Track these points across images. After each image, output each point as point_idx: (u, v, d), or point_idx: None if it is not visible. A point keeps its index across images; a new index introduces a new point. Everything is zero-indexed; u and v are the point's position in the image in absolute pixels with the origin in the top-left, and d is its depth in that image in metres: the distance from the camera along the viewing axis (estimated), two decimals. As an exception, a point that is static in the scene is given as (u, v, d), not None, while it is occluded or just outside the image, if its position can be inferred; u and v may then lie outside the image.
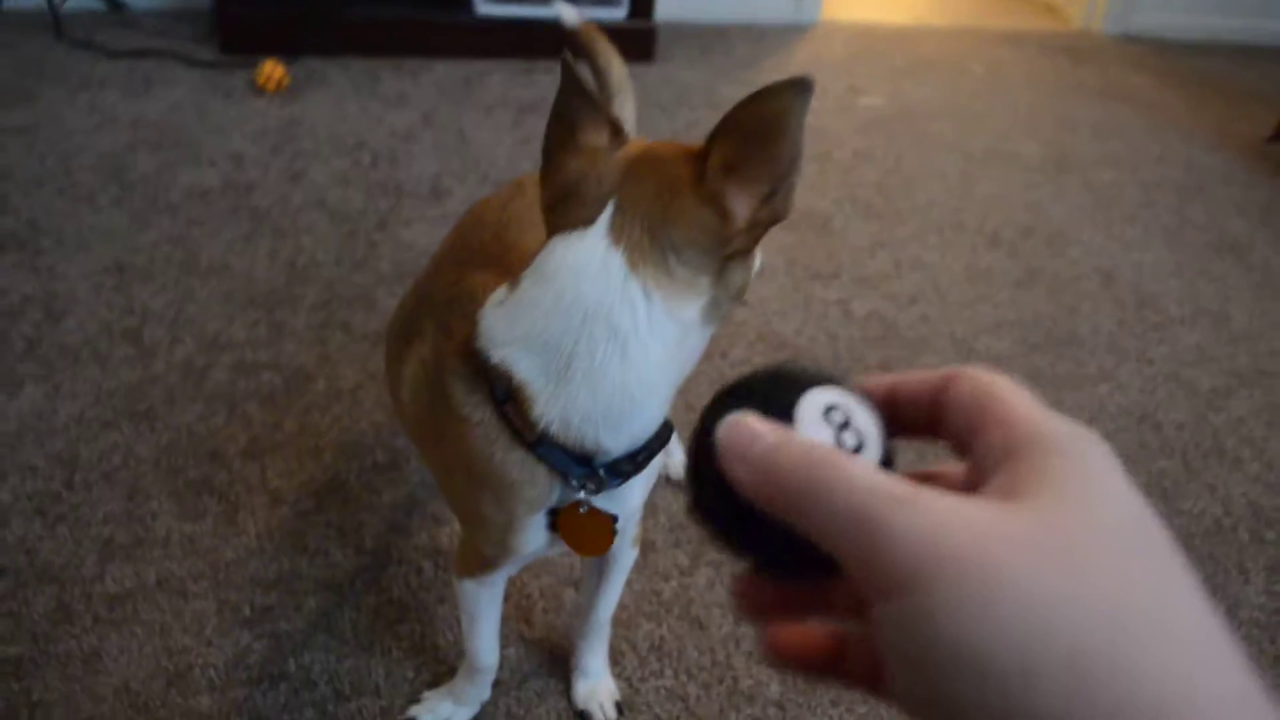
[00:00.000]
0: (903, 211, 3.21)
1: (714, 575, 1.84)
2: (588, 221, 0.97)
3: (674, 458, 2.01)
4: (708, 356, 2.40)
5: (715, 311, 1.00)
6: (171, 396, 2.14)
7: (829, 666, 0.41)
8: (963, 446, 0.39)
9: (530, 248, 1.24)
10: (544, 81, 3.84)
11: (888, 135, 3.74)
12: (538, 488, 1.09)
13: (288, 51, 3.72)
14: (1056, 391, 2.46)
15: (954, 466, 0.41)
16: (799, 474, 0.35)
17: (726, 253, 0.97)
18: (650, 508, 1.92)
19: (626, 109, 1.79)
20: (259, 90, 3.54)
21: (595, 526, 1.14)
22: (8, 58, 3.65)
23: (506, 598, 1.63)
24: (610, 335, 0.95)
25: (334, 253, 2.68)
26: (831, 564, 0.35)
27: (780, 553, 0.37)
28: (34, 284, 2.46)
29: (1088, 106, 4.24)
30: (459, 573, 1.37)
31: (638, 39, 4.07)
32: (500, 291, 1.04)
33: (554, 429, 1.01)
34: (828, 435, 0.38)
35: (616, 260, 0.95)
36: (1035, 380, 2.47)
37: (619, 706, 1.61)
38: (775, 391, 0.39)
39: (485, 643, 1.48)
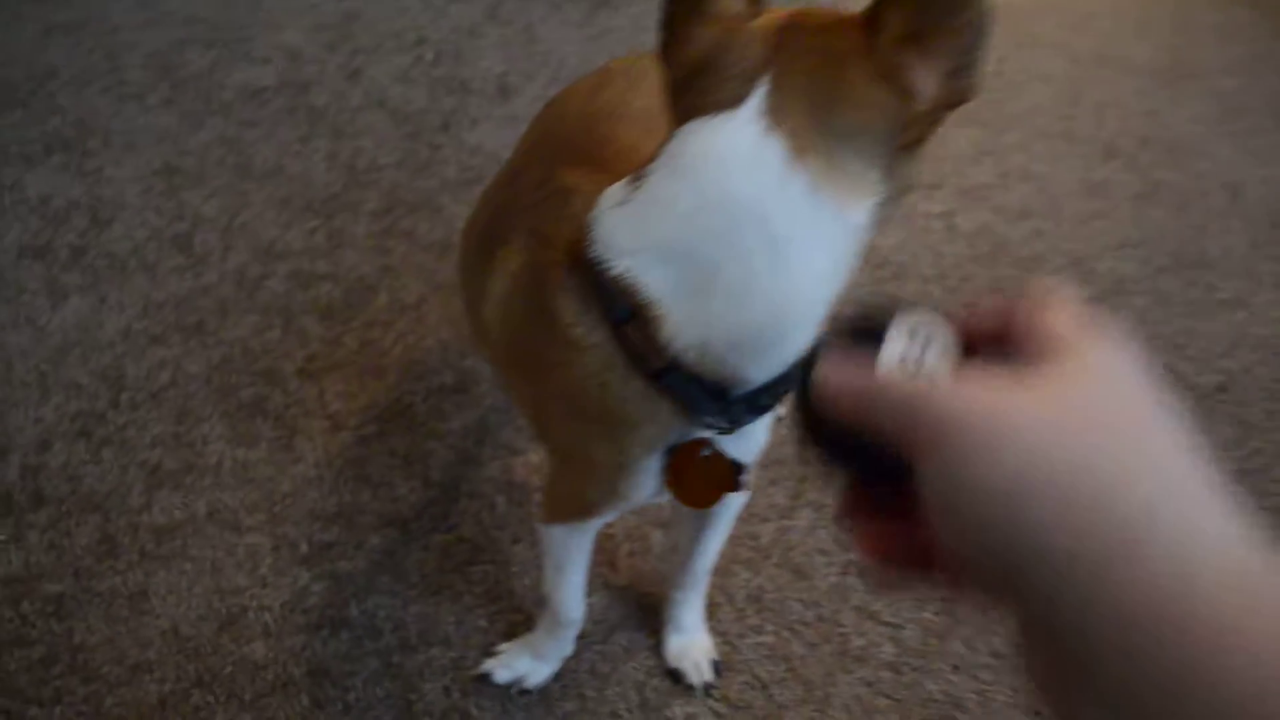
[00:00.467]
0: (1007, 118, 2.93)
1: (815, 518, 1.66)
2: (733, 103, 0.77)
3: None
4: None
5: (883, 213, 0.81)
6: (224, 309, 1.98)
7: (918, 565, 0.44)
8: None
9: (629, 143, 1.05)
10: (617, -25, 3.57)
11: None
12: (658, 425, 0.91)
13: (345, -59, 3.48)
14: (1188, 318, 2.22)
15: None
16: (877, 390, 0.41)
17: (901, 141, 0.77)
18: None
19: None
20: (315, -18, 3.31)
21: (715, 473, 0.96)
22: (53, -53, 3.46)
23: (590, 542, 1.46)
24: (765, 240, 0.76)
25: (395, 155, 2.48)
26: (908, 467, 0.40)
27: (868, 461, 0.42)
28: (80, 188, 2.30)
29: (1206, 8, 3.88)
30: (548, 518, 1.20)
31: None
32: (617, 190, 0.84)
33: (686, 355, 0.82)
34: (911, 355, 0.43)
35: (774, 149, 0.75)
36: (1164, 305, 2.23)
37: (716, 666, 1.45)
38: (868, 321, 0.44)
39: (571, 595, 1.31)
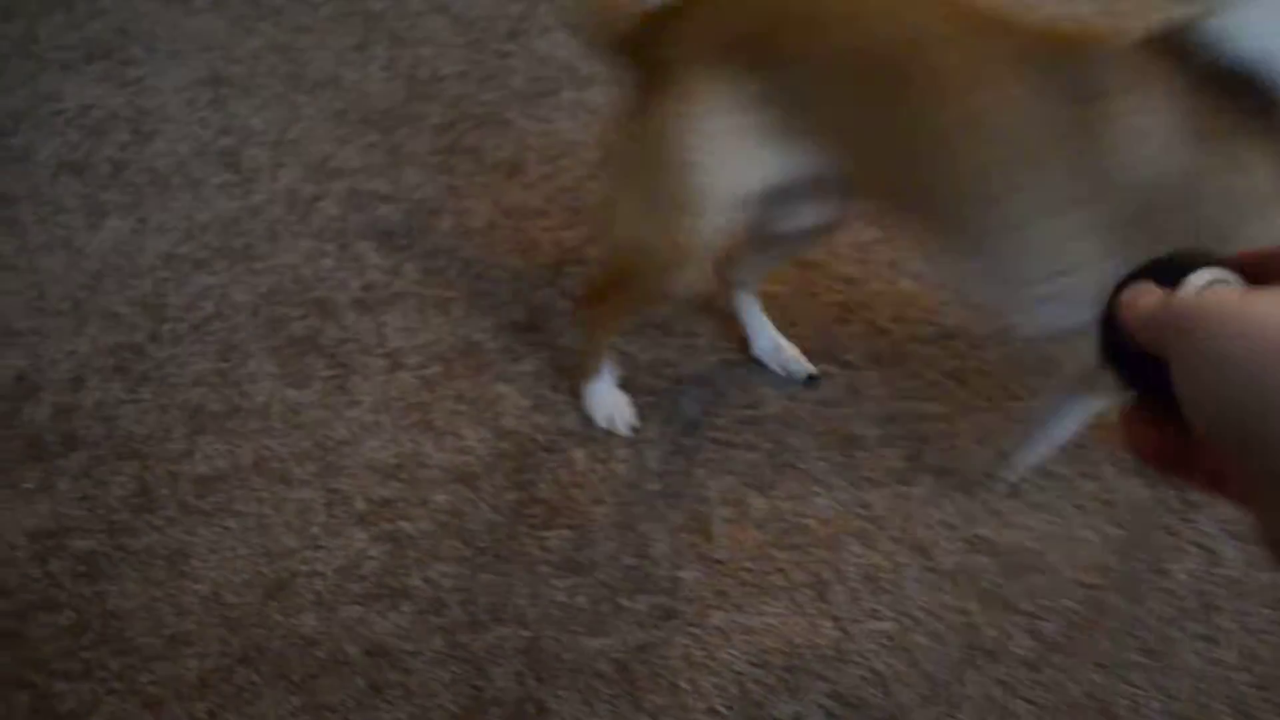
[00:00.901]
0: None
1: (936, 485, 1.46)
2: None
3: None
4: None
5: None
6: (273, 232, 1.79)
7: (1178, 464, 0.45)
8: None
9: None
10: None
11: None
12: None
13: None
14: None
15: None
16: (1164, 308, 0.43)
17: None
18: (837, 388, 1.54)
19: None
20: (373, -123, 3.07)
21: None
22: None
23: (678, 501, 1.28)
24: None
25: (459, 65, 2.27)
26: None
27: (1152, 377, 0.43)
28: (121, 99, 2.12)
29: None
30: None
31: None
32: None
33: None
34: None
35: None
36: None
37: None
38: (1168, 267, 0.45)
39: None
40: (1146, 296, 0.45)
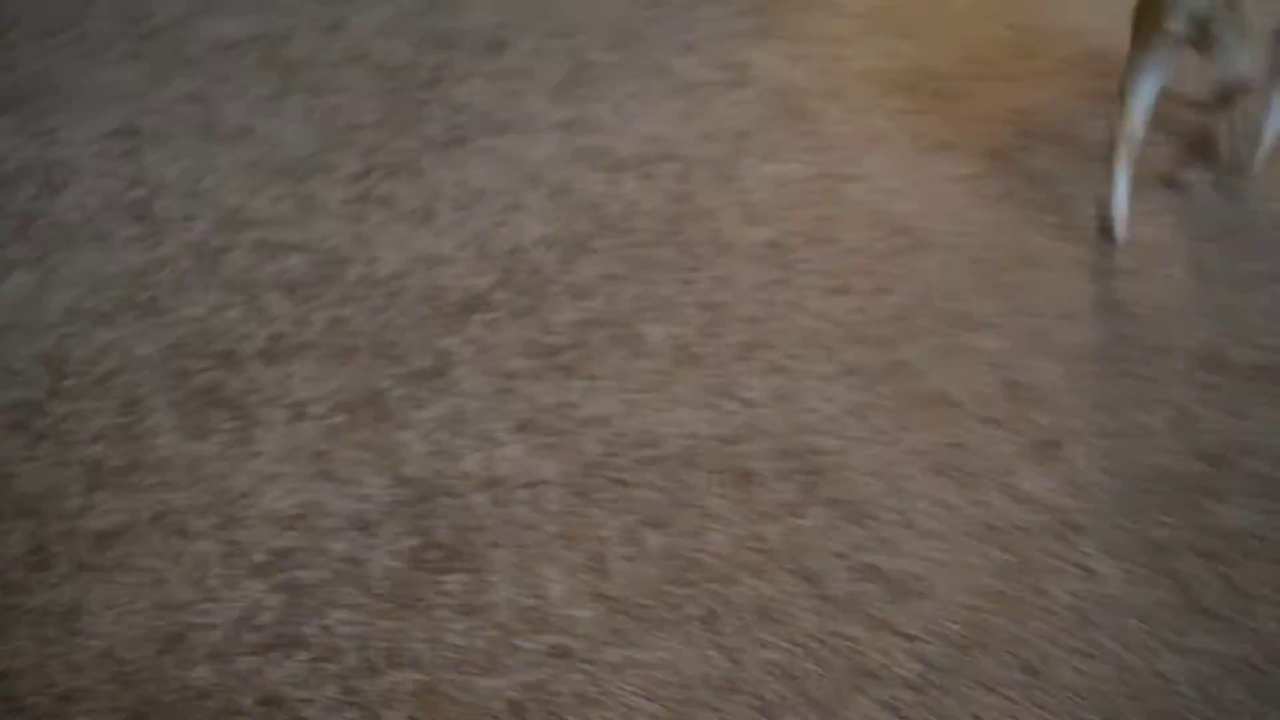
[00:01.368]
0: (1037, 73, 2.73)
1: (830, 517, 1.50)
2: None
3: None
4: (813, 241, 2.01)
5: None
6: (180, 284, 1.82)
7: None
8: None
9: None
10: (617, -82, 3.36)
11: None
12: None
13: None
14: (1229, 293, 2.04)
15: None
16: None
17: None
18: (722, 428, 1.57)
19: None
20: (294, -73, 3.12)
21: None
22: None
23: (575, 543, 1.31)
24: None
25: (376, 113, 2.31)
26: None
27: None
28: (33, 150, 2.14)
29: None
30: None
31: None
32: None
33: None
34: None
35: None
36: (1203, 279, 2.04)
37: None
38: None
39: None
40: None
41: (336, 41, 2.60)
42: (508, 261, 1.91)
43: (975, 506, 1.53)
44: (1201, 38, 1.80)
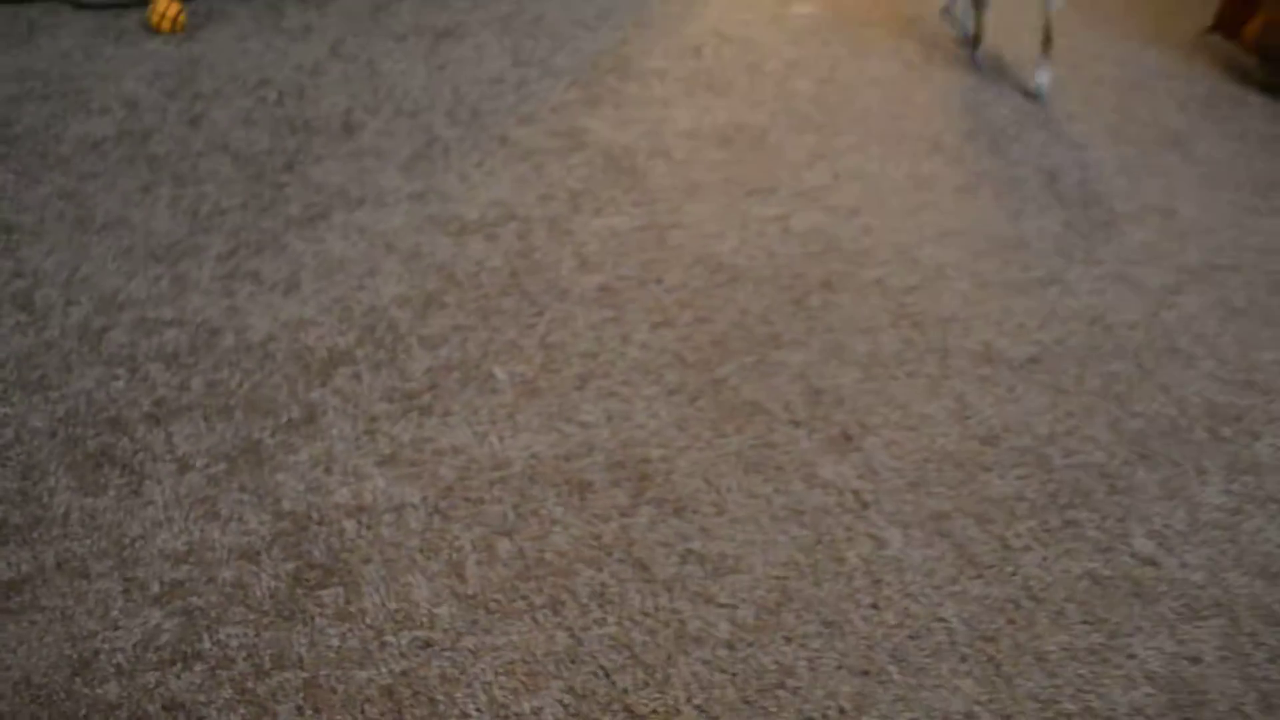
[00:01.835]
0: (840, 122, 3.09)
1: (656, 514, 1.75)
2: None
3: None
4: (641, 283, 2.29)
5: None
6: (67, 362, 1.99)
7: None
8: None
9: None
10: (459, 6, 3.64)
11: (821, 43, 3.60)
12: None
13: (182, -13, 3.49)
14: (1004, 298, 2.38)
15: None
16: None
17: None
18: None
19: None
20: (153, 31, 3.31)
21: None
22: (-122, 10, 3.39)
23: (436, 554, 1.53)
24: None
25: (239, 198, 2.52)
26: None
27: None
28: (-86, 251, 2.28)
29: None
30: None
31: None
32: None
33: None
34: None
35: None
36: (982, 288, 2.38)
37: None
38: None
39: None
40: None
41: (198, 134, 2.79)
42: (368, 320, 2.14)
43: (781, 494, 1.80)
44: None
